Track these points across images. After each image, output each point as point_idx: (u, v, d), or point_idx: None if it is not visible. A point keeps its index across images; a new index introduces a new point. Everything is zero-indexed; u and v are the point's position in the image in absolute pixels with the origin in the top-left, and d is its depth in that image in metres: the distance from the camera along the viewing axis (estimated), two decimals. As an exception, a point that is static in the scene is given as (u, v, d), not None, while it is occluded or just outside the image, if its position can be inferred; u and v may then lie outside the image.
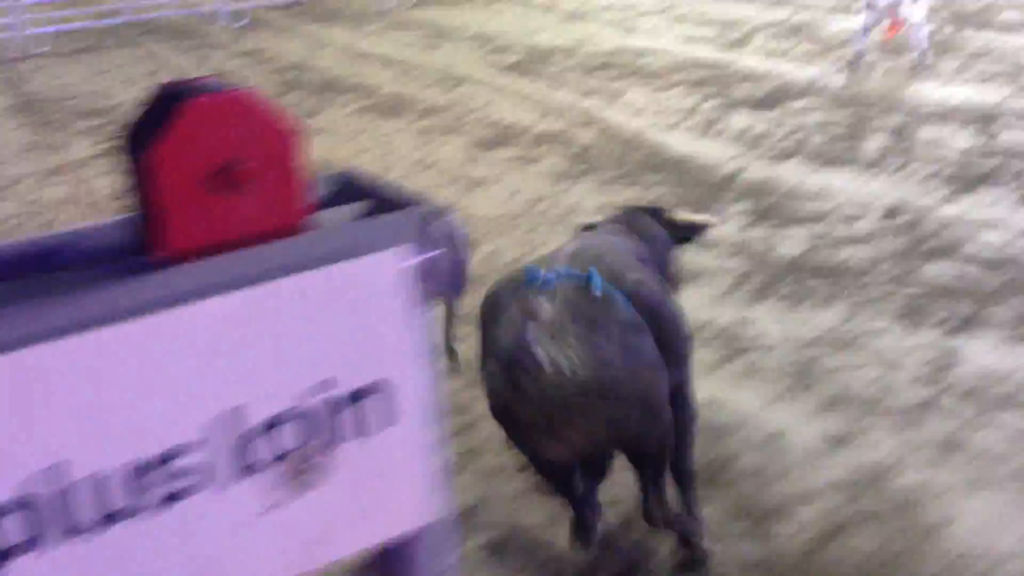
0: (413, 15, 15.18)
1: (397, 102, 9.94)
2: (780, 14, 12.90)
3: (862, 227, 6.09)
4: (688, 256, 4.34)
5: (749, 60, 10.57)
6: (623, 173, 7.41)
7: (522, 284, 2.86)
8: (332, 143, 8.65)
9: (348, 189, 1.48)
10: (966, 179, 6.72)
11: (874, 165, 7.15)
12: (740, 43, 11.44)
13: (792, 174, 7.10)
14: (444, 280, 1.38)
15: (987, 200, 6.36)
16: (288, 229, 1.31)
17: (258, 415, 1.27)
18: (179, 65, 12.53)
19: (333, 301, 1.30)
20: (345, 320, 1.31)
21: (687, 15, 13.43)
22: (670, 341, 2.97)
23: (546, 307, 2.74)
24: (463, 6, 15.54)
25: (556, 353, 2.66)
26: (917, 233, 5.93)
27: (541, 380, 2.66)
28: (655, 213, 3.69)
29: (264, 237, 1.29)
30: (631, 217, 3.60)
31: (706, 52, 11.10)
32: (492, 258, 6.04)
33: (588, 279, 2.80)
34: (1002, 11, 11.97)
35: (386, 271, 1.33)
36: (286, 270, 1.27)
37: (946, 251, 5.66)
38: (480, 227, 6.53)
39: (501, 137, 8.54)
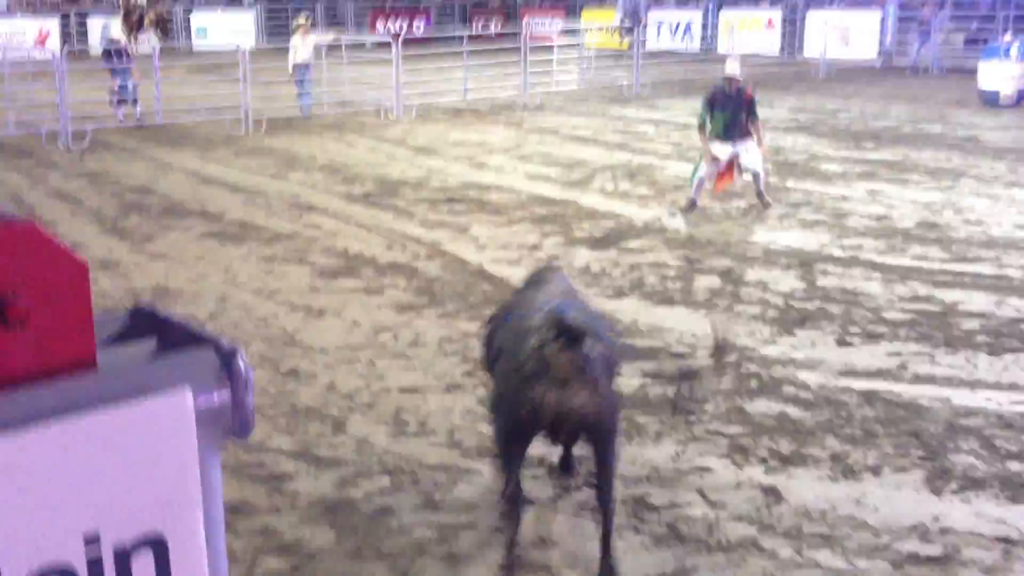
0: (264, 142, 15.20)
1: (242, 229, 9.85)
2: (621, 157, 13.49)
3: (691, 364, 6.29)
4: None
5: (590, 200, 10.96)
6: (467, 306, 7.49)
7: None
8: (170, 269, 8.47)
9: (138, 325, 1.44)
10: (788, 320, 7.06)
11: (704, 305, 7.44)
12: (582, 183, 11.87)
13: (628, 312, 7.31)
14: (230, 423, 1.34)
15: (807, 341, 6.68)
16: (66, 367, 1.26)
17: (12, 572, 1.19)
18: (16, 184, 12.14)
19: (108, 446, 1.25)
20: (120, 467, 1.26)
21: (533, 154, 13.89)
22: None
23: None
24: (314, 136, 15.68)
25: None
26: (743, 372, 6.16)
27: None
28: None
29: (40, 376, 1.23)
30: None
31: (550, 191, 11.46)
32: (330, 390, 5.96)
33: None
34: (822, 163, 12.84)
35: (169, 414, 1.29)
36: (57, 412, 1.21)
37: (769, 390, 5.88)
38: (319, 358, 6.45)
39: (346, 267, 8.53)
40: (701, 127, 10.08)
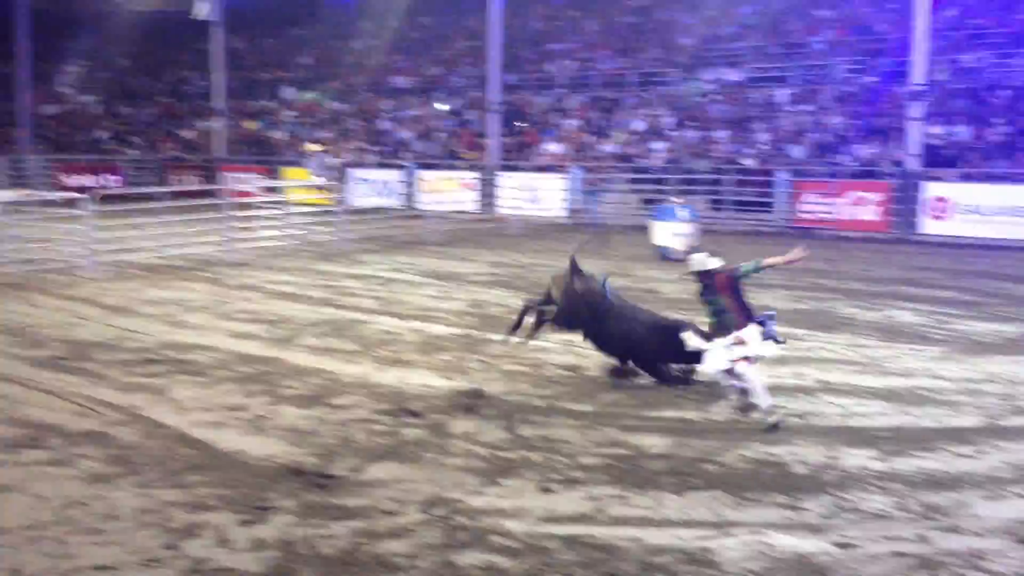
0: (-65, 304, 14.02)
1: (-93, 400, 8.96)
2: (326, 313, 13.57)
3: (401, 521, 6.33)
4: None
5: (297, 357, 10.90)
6: (167, 472, 7.17)
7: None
8: None
9: None
10: (494, 470, 7.29)
11: (413, 459, 7.54)
12: (288, 340, 11.80)
13: (339, 469, 7.27)
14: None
15: (512, 490, 6.92)
16: None
17: None
18: None
19: None
20: None
21: (236, 312, 13.67)
22: None
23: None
24: (-5, 296, 14.65)
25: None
26: (451, 524, 6.27)
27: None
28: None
29: None
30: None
31: (255, 348, 11.30)
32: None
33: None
34: (521, 316, 13.50)
35: None
36: None
37: (477, 541, 6.02)
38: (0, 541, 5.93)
39: (30, 437, 7.94)
40: None
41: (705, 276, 9.01)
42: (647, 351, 9.74)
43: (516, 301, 14.57)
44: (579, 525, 6.30)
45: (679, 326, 9.40)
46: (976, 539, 6.10)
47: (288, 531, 6.16)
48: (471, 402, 9.06)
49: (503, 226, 26.20)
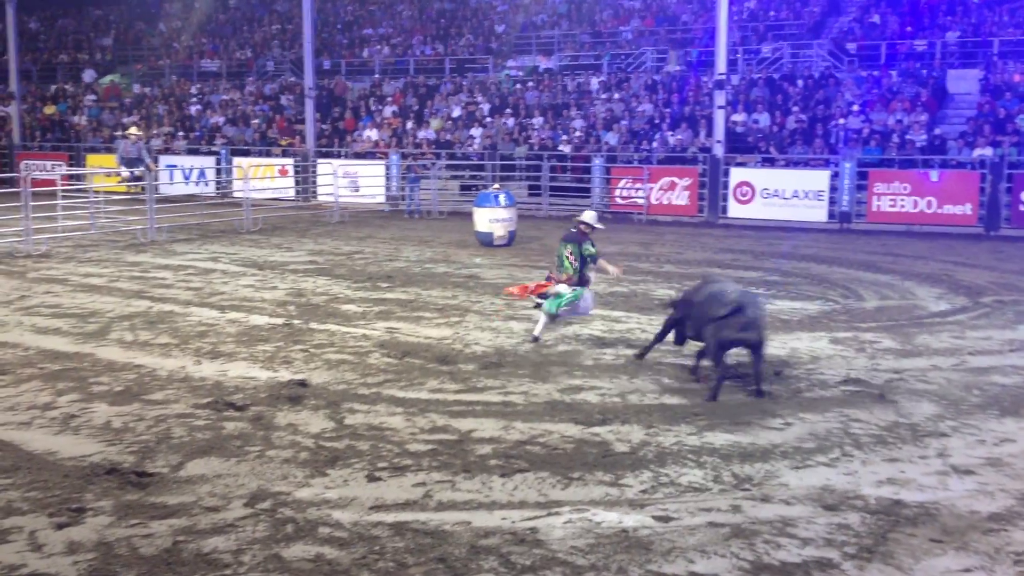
0: None
1: None
2: (139, 306, 13.05)
3: (224, 517, 6.18)
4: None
5: (108, 352, 10.46)
6: (-34, 479, 6.75)
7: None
8: None
9: None
10: (320, 461, 7.21)
11: (236, 453, 7.37)
12: (98, 335, 11.29)
13: (158, 466, 7.03)
14: None
15: (340, 480, 6.86)
16: None
17: None
18: None
19: None
20: None
21: (40, 306, 12.99)
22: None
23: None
24: None
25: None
26: (278, 517, 6.17)
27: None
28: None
29: None
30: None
31: (62, 344, 10.77)
32: None
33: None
34: (343, 304, 13.38)
35: None
36: None
37: (305, 533, 5.95)
38: None
39: None
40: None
41: (589, 230, 11.07)
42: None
43: (338, 289, 14.45)
44: (408, 512, 6.32)
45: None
46: (785, 507, 6.46)
47: (105, 532, 5.92)
48: (295, 393, 8.93)
49: (322, 213, 25.84)
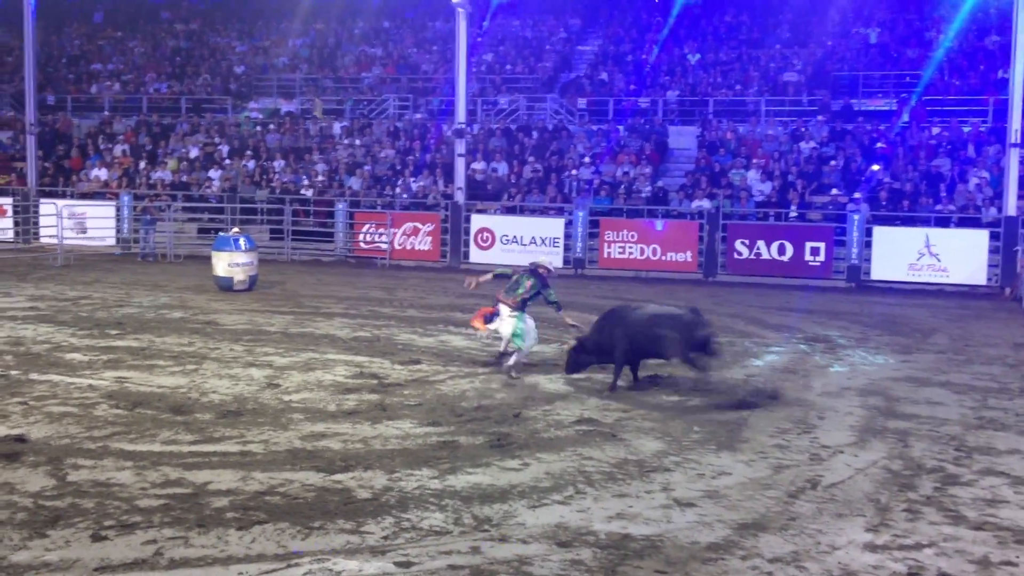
0: None
1: None
2: None
3: None
4: None
5: None
6: None
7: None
8: None
9: None
10: (39, 522, 6.74)
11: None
12: None
13: None
14: None
15: (61, 541, 6.44)
16: None
17: None
18: None
19: None
20: None
21: None
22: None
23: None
24: None
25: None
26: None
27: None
28: None
29: None
30: None
31: None
32: None
33: None
34: (67, 352, 12.59)
35: None
36: None
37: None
38: None
39: None
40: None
41: (544, 272, 12.68)
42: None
43: (61, 337, 13.59)
44: (136, 572, 6.02)
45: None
46: (522, 546, 6.65)
47: None
48: (11, 449, 8.31)
49: (45, 256, 24.24)
